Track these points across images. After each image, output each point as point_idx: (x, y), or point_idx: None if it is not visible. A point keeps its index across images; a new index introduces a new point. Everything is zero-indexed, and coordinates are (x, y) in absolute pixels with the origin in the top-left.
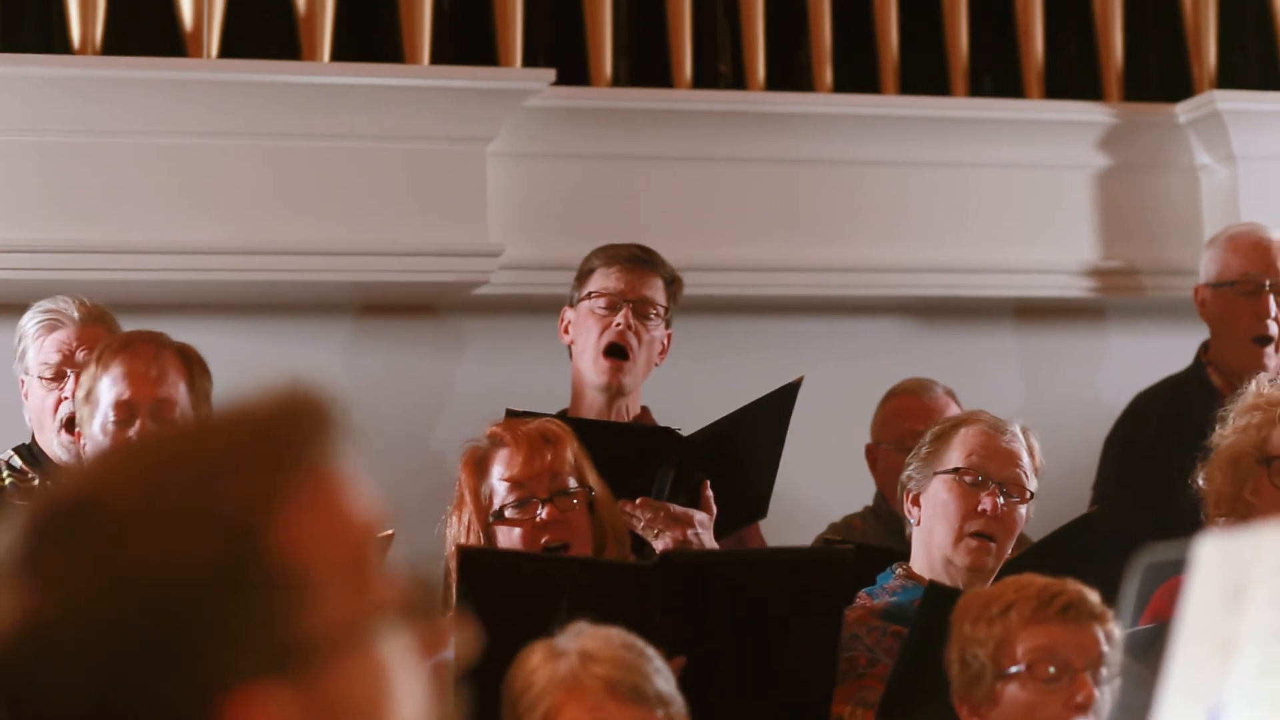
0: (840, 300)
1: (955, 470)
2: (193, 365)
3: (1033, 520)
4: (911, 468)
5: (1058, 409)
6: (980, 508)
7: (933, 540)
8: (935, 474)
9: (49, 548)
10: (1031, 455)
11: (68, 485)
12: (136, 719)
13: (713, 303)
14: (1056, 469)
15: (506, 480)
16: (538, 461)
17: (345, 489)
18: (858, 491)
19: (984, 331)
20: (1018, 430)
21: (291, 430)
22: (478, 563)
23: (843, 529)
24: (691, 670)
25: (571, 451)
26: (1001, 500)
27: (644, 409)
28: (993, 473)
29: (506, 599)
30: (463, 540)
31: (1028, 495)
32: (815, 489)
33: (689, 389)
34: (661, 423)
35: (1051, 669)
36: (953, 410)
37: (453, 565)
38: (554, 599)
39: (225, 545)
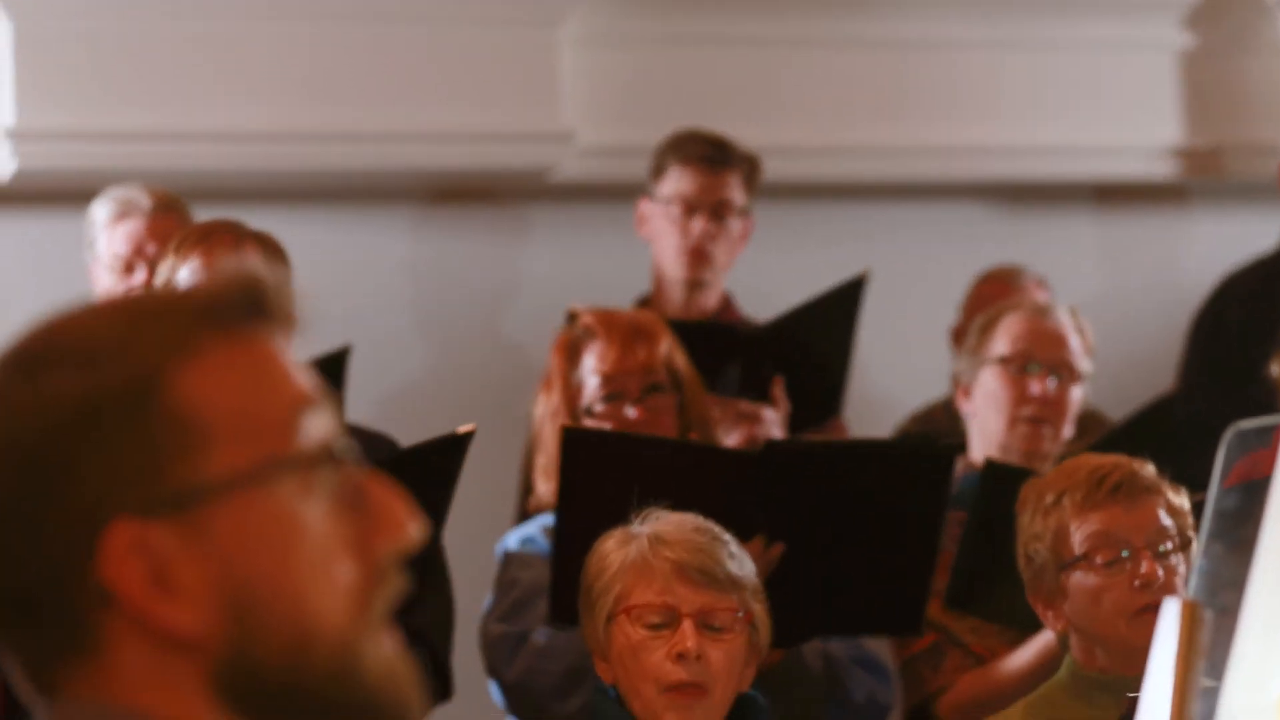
0: (921, 184)
1: (1001, 357)
2: (272, 255)
3: (1115, 406)
4: (961, 360)
5: (1139, 293)
6: (1029, 392)
7: (987, 430)
8: (983, 363)
9: None
10: (1082, 335)
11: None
12: (21, 545)
13: (790, 187)
14: (1138, 354)
15: (598, 374)
16: (630, 358)
17: (269, 359)
18: (938, 379)
19: (1064, 215)
20: (1064, 312)
21: (223, 299)
22: (581, 443)
23: (924, 418)
24: (790, 557)
25: (665, 346)
26: (1052, 383)
27: (726, 297)
28: (1039, 356)
29: (606, 480)
30: (550, 423)
31: (1078, 376)
32: (894, 377)
33: (767, 274)
34: (743, 310)
35: (1111, 552)
36: (1041, 298)
37: (540, 445)
38: (654, 482)
39: (122, 384)
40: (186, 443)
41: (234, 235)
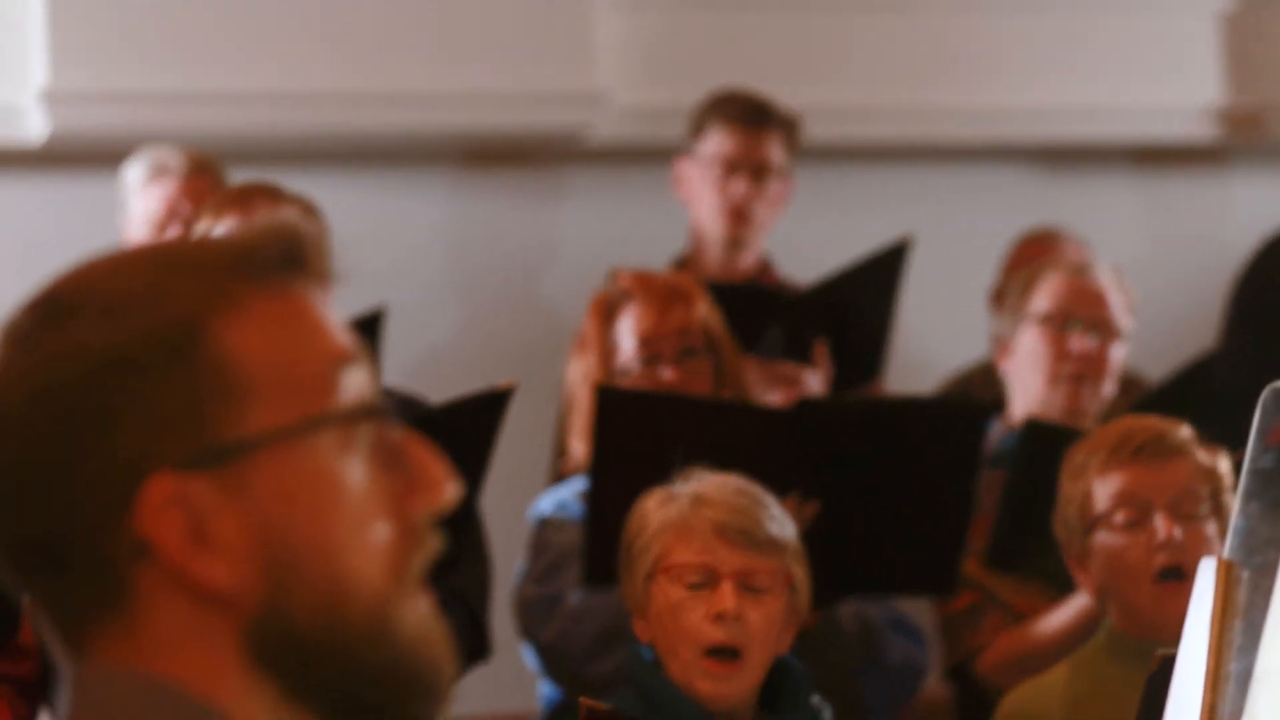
0: (959, 146)
1: (1041, 315)
2: (309, 217)
3: (1155, 368)
4: (1001, 319)
5: (1179, 256)
6: (1070, 349)
7: (1027, 389)
8: (1024, 322)
9: (6, 335)
10: (1123, 293)
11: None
12: (56, 495)
13: (830, 149)
14: (1178, 316)
15: (635, 337)
16: (667, 321)
17: (308, 313)
18: (977, 342)
19: (1103, 177)
20: (1105, 269)
21: (262, 251)
22: (615, 401)
23: (962, 381)
24: (825, 516)
25: (701, 308)
26: (1093, 340)
27: (764, 259)
28: (1080, 313)
29: (641, 440)
30: (584, 384)
31: (1119, 334)
32: (933, 340)
33: (805, 236)
34: (782, 272)
35: (1131, 512)
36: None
37: (574, 406)
38: (689, 441)
39: (162, 333)
40: (229, 396)
41: (271, 196)
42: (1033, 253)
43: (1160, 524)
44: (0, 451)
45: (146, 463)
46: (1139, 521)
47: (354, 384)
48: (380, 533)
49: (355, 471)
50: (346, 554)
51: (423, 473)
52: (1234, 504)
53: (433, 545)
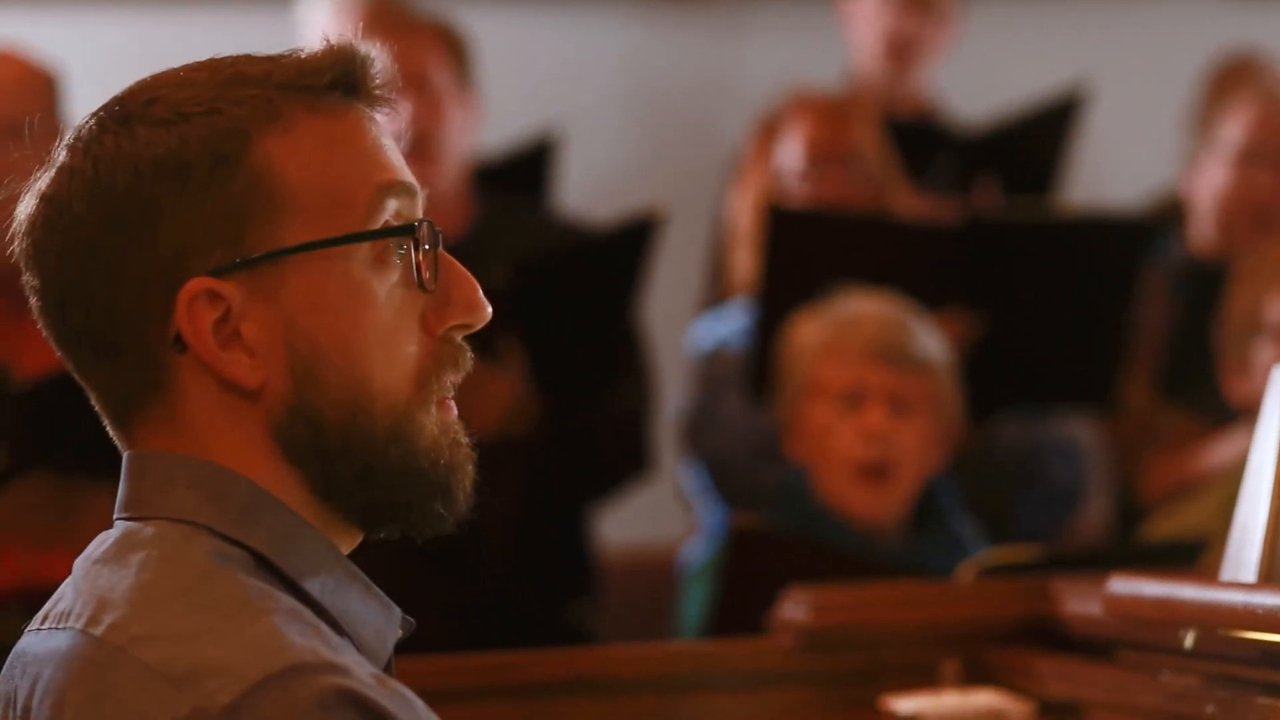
0: None
1: (1224, 147)
2: (449, 45)
3: None
4: (1191, 149)
5: None
6: (1249, 184)
7: (1209, 217)
8: (1210, 153)
9: (74, 139)
10: None
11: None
12: (104, 290)
13: None
14: None
15: (797, 152)
16: (830, 130)
17: (360, 137)
18: (1170, 171)
19: None
20: None
21: (318, 72)
22: (786, 220)
23: (1154, 207)
24: (992, 330)
25: (863, 126)
26: (1273, 175)
27: (929, 96)
28: (1265, 146)
29: (810, 257)
30: (748, 204)
31: None
32: (1120, 160)
33: (987, 75)
34: (953, 106)
35: None
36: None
37: (735, 229)
38: (858, 258)
39: (214, 143)
40: (268, 208)
41: (407, 21)
42: (1230, 76)
43: None
44: (60, 247)
45: (187, 263)
46: None
47: (397, 208)
48: (409, 345)
49: (386, 288)
50: (370, 361)
51: (457, 293)
52: None
53: (465, 362)
